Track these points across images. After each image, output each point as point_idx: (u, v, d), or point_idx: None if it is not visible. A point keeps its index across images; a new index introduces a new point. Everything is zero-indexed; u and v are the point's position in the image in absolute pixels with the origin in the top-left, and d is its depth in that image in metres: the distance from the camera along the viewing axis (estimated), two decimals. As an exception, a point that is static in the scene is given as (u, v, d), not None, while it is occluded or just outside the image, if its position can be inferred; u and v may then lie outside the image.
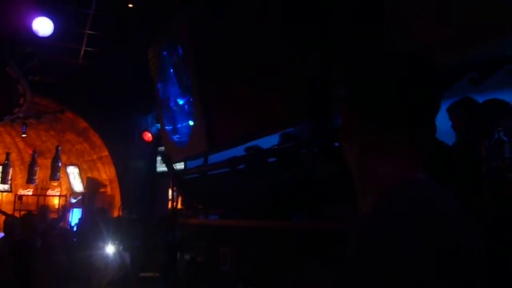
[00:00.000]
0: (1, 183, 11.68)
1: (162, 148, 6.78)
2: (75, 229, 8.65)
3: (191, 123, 4.76)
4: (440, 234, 0.78)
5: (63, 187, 12.15)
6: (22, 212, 9.32)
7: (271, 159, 3.58)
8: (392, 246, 0.78)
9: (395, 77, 1.00)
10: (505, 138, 2.10)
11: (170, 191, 6.76)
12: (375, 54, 1.10)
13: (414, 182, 0.94)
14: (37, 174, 10.87)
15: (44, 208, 9.72)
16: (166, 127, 5.20)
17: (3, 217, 7.96)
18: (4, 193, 12.51)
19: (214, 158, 4.59)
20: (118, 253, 6.21)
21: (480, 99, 3.37)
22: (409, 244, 0.77)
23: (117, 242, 6.88)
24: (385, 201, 0.89)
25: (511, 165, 2.01)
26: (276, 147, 3.50)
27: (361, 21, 2.56)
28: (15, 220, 6.77)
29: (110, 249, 6.14)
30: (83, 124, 9.62)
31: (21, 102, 7.59)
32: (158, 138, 7.27)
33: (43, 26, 5.89)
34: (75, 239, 7.72)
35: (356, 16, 2.59)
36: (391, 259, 0.77)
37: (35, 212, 8.47)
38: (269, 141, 3.69)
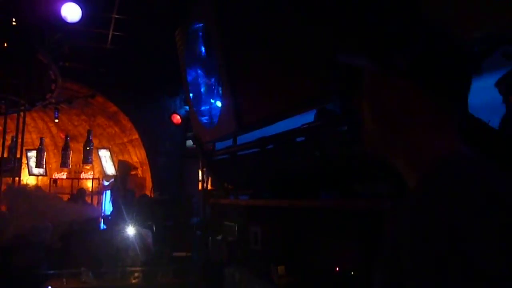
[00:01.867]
0: (36, 167, 12.01)
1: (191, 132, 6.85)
2: (108, 211, 8.88)
3: (219, 104, 4.77)
4: (503, 209, 0.75)
5: (96, 170, 12.41)
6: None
7: (301, 138, 3.57)
8: (456, 222, 0.75)
9: (446, 50, 0.98)
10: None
11: (200, 172, 6.83)
12: (418, 26, 1.07)
13: (466, 156, 0.91)
14: (70, 158, 11.14)
15: (82, 191, 10.01)
16: (195, 109, 5.23)
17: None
18: (40, 177, 12.87)
19: (243, 138, 4.60)
20: (139, 233, 6.34)
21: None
22: (476, 220, 0.75)
23: (149, 222, 7.04)
24: (442, 176, 0.85)
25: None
26: (306, 125, 3.48)
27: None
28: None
29: (131, 230, 6.28)
30: (113, 108, 9.76)
31: (52, 87, 7.75)
32: (187, 120, 7.33)
33: (71, 12, 5.96)
34: (109, 218, 7.93)
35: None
36: (456, 236, 0.74)
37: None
38: (304, 119, 3.66)
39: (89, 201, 10.82)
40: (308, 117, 3.53)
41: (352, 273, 2.67)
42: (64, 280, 5.64)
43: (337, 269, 2.81)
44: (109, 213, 8.86)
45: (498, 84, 3.35)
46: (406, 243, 0.81)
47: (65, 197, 9.81)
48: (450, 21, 2.19)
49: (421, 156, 0.95)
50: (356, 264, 2.67)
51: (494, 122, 3.46)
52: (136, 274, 5.90)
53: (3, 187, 7.35)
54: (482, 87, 3.92)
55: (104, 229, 7.89)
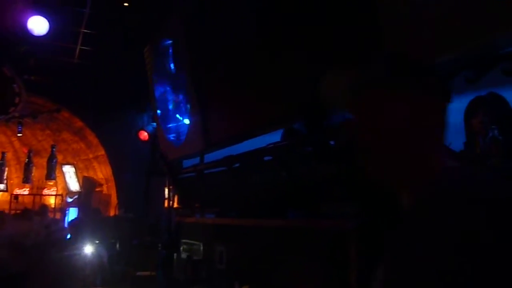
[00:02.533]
0: (-3, 182, 11.65)
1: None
2: (69, 228, 8.65)
3: (187, 121, 4.75)
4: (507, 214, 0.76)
5: (59, 187, 12.12)
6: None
7: (268, 158, 3.58)
8: (470, 232, 0.75)
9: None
10: (499, 137, 2.11)
11: (166, 190, 6.76)
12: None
13: (463, 168, 0.92)
14: (33, 174, 10.85)
15: (44, 207, 9.74)
16: (162, 126, 5.20)
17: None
18: (0, 193, 12.48)
19: (210, 156, 4.59)
20: (97, 252, 6.21)
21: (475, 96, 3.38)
22: (489, 227, 0.74)
23: (113, 241, 6.89)
24: (444, 188, 0.86)
25: (504, 163, 2.02)
26: (272, 144, 3.50)
27: (353, 20, 2.57)
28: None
29: (88, 248, 6.13)
30: (79, 123, 9.60)
31: (16, 101, 7.57)
32: (154, 137, 7.27)
33: (38, 25, 5.87)
34: (68, 238, 7.72)
35: (348, 15, 2.60)
36: (470, 246, 0.74)
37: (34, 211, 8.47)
38: (272, 138, 3.67)
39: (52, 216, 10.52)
40: (276, 137, 3.55)
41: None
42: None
43: (301, 289, 2.80)
44: (70, 230, 8.63)
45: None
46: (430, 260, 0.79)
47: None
48: (414, 47, 2.25)
49: (423, 171, 0.94)
50: (320, 284, 2.67)
51: (457, 144, 3.55)
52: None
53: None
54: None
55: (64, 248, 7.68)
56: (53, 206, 11.68)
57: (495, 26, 1.87)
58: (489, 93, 3.20)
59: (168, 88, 5.17)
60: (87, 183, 10.29)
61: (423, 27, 2.15)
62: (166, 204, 6.77)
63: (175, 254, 4.95)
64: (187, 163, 5.28)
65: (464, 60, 2.34)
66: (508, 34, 1.88)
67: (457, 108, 3.40)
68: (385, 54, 1.05)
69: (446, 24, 2.05)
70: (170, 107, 5.17)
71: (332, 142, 2.57)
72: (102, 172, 10.25)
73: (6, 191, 12.42)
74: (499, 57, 2.31)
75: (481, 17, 1.90)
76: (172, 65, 5.07)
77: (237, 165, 3.73)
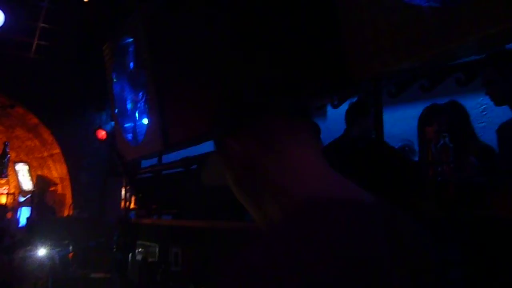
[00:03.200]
0: None
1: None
2: (24, 228, 8.39)
3: (145, 121, 4.69)
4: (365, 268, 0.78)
5: (12, 185, 11.73)
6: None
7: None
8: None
9: None
10: (450, 144, 2.17)
11: (123, 191, 6.65)
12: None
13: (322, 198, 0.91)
14: (-17, 171, 10.46)
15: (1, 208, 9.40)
16: (120, 125, 5.11)
17: None
18: None
19: (169, 157, 4.55)
20: (49, 254, 6.06)
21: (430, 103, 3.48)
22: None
23: (67, 242, 6.72)
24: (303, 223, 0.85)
25: (454, 170, 2.09)
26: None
27: (311, 28, 2.60)
28: None
29: (41, 250, 5.98)
30: (34, 120, 9.31)
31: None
32: (112, 136, 7.14)
33: (-7, 17, 5.68)
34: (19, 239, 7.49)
35: (306, 22, 2.63)
36: None
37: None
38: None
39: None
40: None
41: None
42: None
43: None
44: (25, 231, 8.38)
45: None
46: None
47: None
48: (372, 56, 2.30)
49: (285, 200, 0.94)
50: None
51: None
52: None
53: None
54: (400, 118, 4.13)
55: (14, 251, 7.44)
56: (4, 205, 11.30)
57: (450, 36, 1.92)
58: (448, 101, 3.31)
59: (127, 87, 5.08)
60: (41, 182, 10.00)
61: (381, 36, 2.20)
62: (122, 205, 6.67)
63: (130, 256, 4.87)
64: (145, 163, 5.21)
65: (420, 69, 2.40)
66: (462, 45, 1.94)
67: (413, 115, 3.50)
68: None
69: (402, 33, 2.10)
70: (129, 106, 5.09)
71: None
72: (57, 171, 9.98)
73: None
74: (454, 67, 2.39)
75: (436, 28, 1.96)
76: (131, 64, 5.00)
77: (194, 166, 3.71)
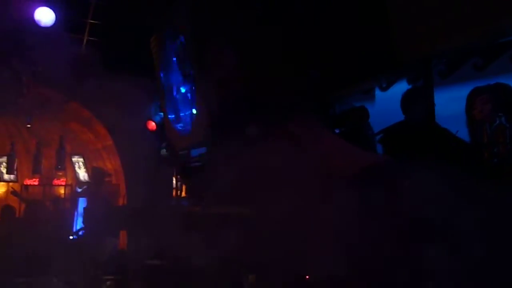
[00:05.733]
0: (7, 173, 11.72)
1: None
2: (81, 218, 8.73)
3: (193, 111, 4.76)
4: None
5: (69, 177, 12.18)
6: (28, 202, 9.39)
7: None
8: None
9: None
10: (507, 124, 2.10)
11: (174, 180, 6.79)
12: None
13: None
14: (42, 164, 10.90)
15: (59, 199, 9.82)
16: (169, 116, 5.21)
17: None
18: (10, 183, 12.58)
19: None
20: (109, 240, 6.28)
21: (483, 84, 3.35)
22: None
23: (122, 230, 6.94)
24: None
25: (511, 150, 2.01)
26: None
27: (357, 10, 2.55)
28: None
29: (100, 238, 6.20)
30: (87, 113, 9.62)
31: (24, 92, 7.61)
32: (162, 126, 7.28)
33: (45, 16, 5.88)
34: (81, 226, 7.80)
35: (353, 5, 2.59)
36: None
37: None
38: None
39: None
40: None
41: (324, 281, 2.68)
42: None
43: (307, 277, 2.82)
44: (81, 220, 8.72)
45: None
46: None
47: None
48: (422, 35, 2.24)
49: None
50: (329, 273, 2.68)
51: (463, 132, 3.54)
52: (108, 283, 5.80)
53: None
54: (452, 98, 4.01)
55: (75, 237, 7.76)
56: (63, 196, 11.76)
57: (503, 12, 1.85)
58: (495, 83, 3.18)
59: (174, 78, 5.17)
60: (96, 173, 10.33)
61: (431, 15, 2.14)
62: (174, 193, 6.81)
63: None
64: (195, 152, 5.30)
65: (472, 48, 2.32)
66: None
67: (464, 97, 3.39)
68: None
69: (453, 11, 2.03)
70: (177, 96, 5.17)
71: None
72: (111, 162, 10.29)
73: (17, 181, 12.52)
74: (507, 44, 2.29)
75: (488, 4, 1.89)
76: (178, 55, 5.07)
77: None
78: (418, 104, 3.36)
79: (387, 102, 3.69)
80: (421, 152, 2.40)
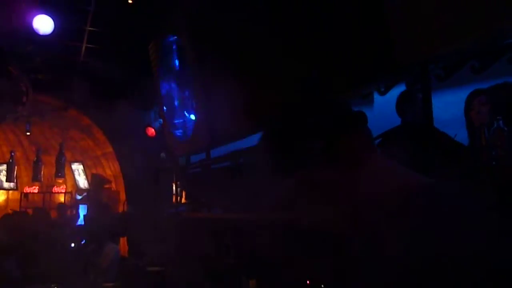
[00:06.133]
0: (7, 181, 11.72)
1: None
2: (81, 225, 8.72)
3: (193, 117, 4.76)
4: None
5: (68, 184, 12.18)
6: (29, 210, 9.38)
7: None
8: None
9: None
10: (505, 127, 2.09)
11: (173, 186, 6.78)
12: None
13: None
14: (42, 172, 10.91)
15: (62, 206, 9.82)
16: (168, 122, 5.21)
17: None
18: (10, 191, 12.56)
19: (217, 152, 4.60)
20: (110, 246, 6.27)
21: (481, 86, 3.35)
22: None
23: (123, 236, 6.94)
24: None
25: (509, 153, 2.01)
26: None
27: (355, 13, 2.56)
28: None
29: (100, 244, 6.19)
30: (87, 121, 9.63)
31: (23, 100, 7.61)
32: (161, 133, 7.29)
33: (43, 24, 5.90)
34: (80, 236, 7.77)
35: (350, 7, 2.59)
36: None
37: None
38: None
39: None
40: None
41: (323, 286, 2.67)
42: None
43: (308, 282, 2.81)
44: (81, 226, 8.71)
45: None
46: None
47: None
48: (418, 38, 2.24)
49: None
50: (327, 278, 2.67)
51: (463, 135, 3.53)
52: (107, 290, 5.78)
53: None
54: (450, 102, 4.00)
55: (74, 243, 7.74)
56: (63, 203, 11.74)
57: (501, 16, 1.85)
58: (494, 84, 3.18)
59: (173, 85, 5.18)
60: (96, 180, 10.35)
61: (428, 18, 2.14)
62: (173, 200, 6.81)
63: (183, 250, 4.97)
64: (195, 158, 5.29)
65: (470, 51, 2.32)
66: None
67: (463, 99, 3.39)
68: None
69: (451, 14, 2.03)
70: (176, 103, 5.18)
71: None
72: (110, 169, 10.29)
73: (17, 189, 12.51)
74: (505, 47, 2.29)
75: (487, 5, 1.89)
76: (177, 62, 5.08)
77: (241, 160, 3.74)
78: (413, 106, 3.37)
79: (385, 106, 3.69)
80: (419, 156, 2.40)
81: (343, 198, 1.23)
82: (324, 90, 2.58)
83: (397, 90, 3.52)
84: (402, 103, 3.47)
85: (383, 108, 3.77)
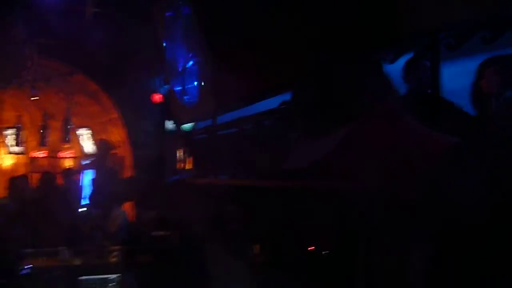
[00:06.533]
0: (15, 146, 11.80)
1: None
2: (87, 190, 8.83)
3: (198, 83, 4.74)
4: None
5: (75, 149, 12.25)
6: (35, 175, 9.48)
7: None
8: None
9: None
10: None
11: (179, 152, 6.81)
12: None
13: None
14: (48, 137, 10.97)
15: (69, 171, 9.92)
16: (175, 88, 5.20)
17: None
18: (18, 156, 12.66)
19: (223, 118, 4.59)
20: (117, 211, 6.36)
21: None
22: None
23: (128, 202, 7.02)
24: None
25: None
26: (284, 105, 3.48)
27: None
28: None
29: (107, 209, 6.29)
30: (93, 86, 9.62)
31: (28, 65, 7.60)
32: (168, 99, 7.28)
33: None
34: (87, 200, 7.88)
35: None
36: None
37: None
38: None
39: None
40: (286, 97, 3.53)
41: (325, 252, 2.71)
42: (44, 258, 5.62)
43: (311, 248, 2.85)
44: (88, 191, 8.82)
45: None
46: None
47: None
48: (428, 5, 2.20)
49: None
50: (329, 244, 2.70)
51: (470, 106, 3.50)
52: (114, 253, 5.90)
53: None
54: (459, 72, 3.96)
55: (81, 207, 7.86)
56: (70, 168, 11.83)
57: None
58: (508, 54, 3.12)
59: (179, 50, 5.13)
60: (102, 146, 10.40)
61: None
62: (179, 166, 6.85)
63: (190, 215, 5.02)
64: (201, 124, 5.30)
65: (481, 20, 2.28)
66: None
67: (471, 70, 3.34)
68: None
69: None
70: (182, 68, 5.15)
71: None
72: (117, 135, 10.33)
73: (24, 154, 12.61)
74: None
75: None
76: (182, 26, 5.02)
77: (248, 126, 3.74)
78: (419, 73, 3.33)
79: (394, 75, 3.65)
80: (426, 123, 2.38)
81: (383, 156, 1.24)
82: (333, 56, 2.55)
83: (406, 59, 3.48)
84: (408, 70, 3.43)
85: (392, 77, 3.73)
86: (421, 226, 1.05)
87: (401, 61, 3.33)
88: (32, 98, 9.99)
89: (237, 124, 3.97)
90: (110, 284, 5.64)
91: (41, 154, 12.55)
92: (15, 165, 12.25)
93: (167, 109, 8.18)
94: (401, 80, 3.50)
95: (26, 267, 5.34)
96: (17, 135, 11.44)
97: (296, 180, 3.23)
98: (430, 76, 2.55)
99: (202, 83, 4.50)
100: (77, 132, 11.38)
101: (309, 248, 2.92)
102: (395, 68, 3.39)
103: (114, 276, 5.59)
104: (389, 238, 1.18)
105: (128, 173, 9.35)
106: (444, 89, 2.37)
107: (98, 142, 10.77)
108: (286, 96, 3.70)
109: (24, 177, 8.31)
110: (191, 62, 4.99)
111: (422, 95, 3.14)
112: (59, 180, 8.89)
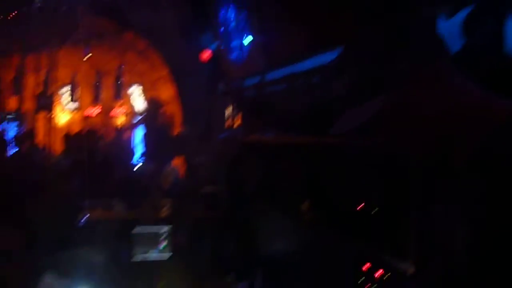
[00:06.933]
0: (70, 102, 12.19)
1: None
2: (139, 147, 9.07)
3: (249, 39, 4.70)
4: None
5: (127, 107, 12.51)
6: (90, 131, 9.79)
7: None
8: None
9: None
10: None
11: (228, 109, 6.85)
12: None
13: None
14: (101, 94, 11.26)
15: (120, 128, 10.21)
16: (224, 45, 5.18)
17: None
18: (72, 113, 13.07)
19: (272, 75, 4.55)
20: (169, 168, 6.50)
21: None
22: None
23: (179, 158, 7.17)
24: None
25: None
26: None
27: None
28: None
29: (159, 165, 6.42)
30: (143, 44, 9.72)
31: (80, 23, 7.73)
32: (218, 56, 7.26)
33: None
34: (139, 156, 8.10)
35: None
36: None
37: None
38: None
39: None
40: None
41: (374, 211, 2.70)
42: (100, 210, 5.85)
43: (360, 206, 2.85)
44: (140, 148, 9.05)
45: None
46: None
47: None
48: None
49: None
50: (379, 202, 2.69)
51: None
52: (166, 207, 6.06)
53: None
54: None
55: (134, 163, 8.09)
56: (120, 125, 12.15)
57: None
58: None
59: (230, 7, 5.08)
60: (153, 103, 10.58)
61: None
62: (229, 123, 6.90)
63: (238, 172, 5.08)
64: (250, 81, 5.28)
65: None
66: None
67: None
68: None
69: None
70: (233, 26, 5.11)
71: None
72: (167, 92, 10.47)
73: (78, 111, 13.01)
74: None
75: None
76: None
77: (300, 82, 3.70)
78: (481, 28, 3.14)
79: (451, 32, 3.48)
80: (484, 81, 2.27)
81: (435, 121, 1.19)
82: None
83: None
84: (470, 22, 3.23)
85: (449, 32, 3.56)
86: (469, 191, 0.99)
87: (460, 15, 3.17)
88: (86, 56, 10.21)
89: (286, 81, 3.93)
90: (162, 236, 5.84)
91: (94, 111, 12.91)
92: (70, 122, 12.66)
93: (216, 66, 8.19)
94: (460, 38, 3.34)
95: (82, 218, 5.59)
96: (72, 92, 11.80)
97: (347, 138, 3.20)
98: (493, 33, 2.41)
99: (253, 39, 4.46)
100: (129, 89, 11.61)
101: (358, 207, 2.92)
102: (453, 23, 3.24)
103: (165, 228, 5.78)
104: (438, 201, 1.13)
105: (178, 130, 9.50)
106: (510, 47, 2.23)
107: (149, 99, 10.96)
108: (335, 54, 3.62)
109: (79, 133, 8.59)
110: (242, 19, 4.94)
111: (484, 55, 2.98)
112: (113, 136, 9.16)
